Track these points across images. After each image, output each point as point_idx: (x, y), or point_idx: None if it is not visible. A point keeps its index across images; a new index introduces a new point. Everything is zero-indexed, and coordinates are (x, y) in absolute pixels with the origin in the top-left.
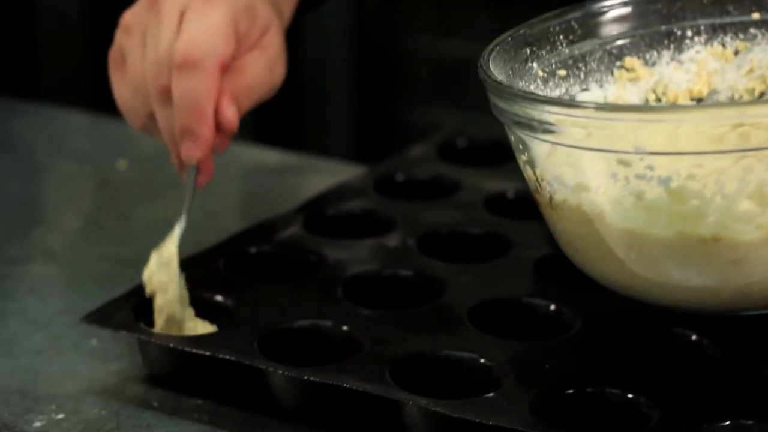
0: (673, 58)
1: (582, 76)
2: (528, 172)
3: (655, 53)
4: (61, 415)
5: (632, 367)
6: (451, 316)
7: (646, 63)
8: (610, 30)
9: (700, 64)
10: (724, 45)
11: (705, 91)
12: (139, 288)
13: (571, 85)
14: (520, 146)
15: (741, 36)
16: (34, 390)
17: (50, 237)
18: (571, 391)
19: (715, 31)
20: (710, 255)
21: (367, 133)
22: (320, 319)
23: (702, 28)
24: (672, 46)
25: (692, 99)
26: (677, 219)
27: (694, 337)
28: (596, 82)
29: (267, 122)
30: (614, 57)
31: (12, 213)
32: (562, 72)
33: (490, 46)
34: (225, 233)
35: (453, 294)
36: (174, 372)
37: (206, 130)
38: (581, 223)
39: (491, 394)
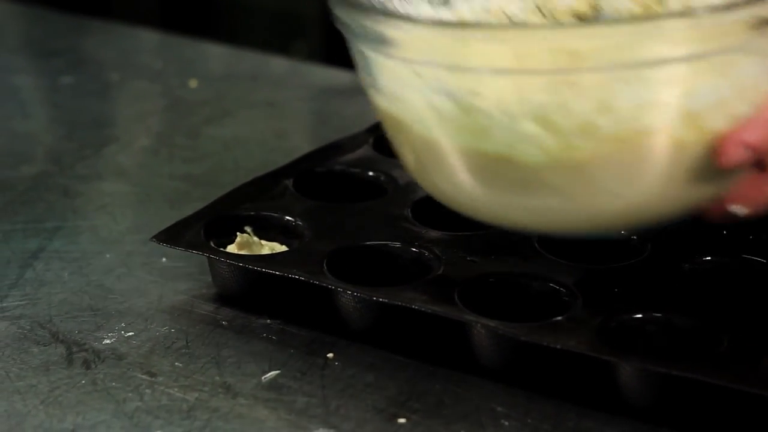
0: None
1: None
2: (361, 76)
3: None
4: (130, 333)
5: (701, 293)
6: (520, 239)
7: None
8: None
9: None
10: None
11: (589, 12)
12: (210, 207)
13: None
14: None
15: None
16: (104, 307)
17: (121, 155)
18: (639, 316)
19: None
20: (500, 174)
21: None
22: (389, 240)
23: None
24: None
25: (575, 17)
26: (467, 133)
27: (763, 264)
28: None
29: (337, 43)
30: None
31: (83, 131)
32: None
33: None
34: (295, 153)
35: None
36: (243, 291)
37: None
38: (397, 131)
39: (559, 318)
